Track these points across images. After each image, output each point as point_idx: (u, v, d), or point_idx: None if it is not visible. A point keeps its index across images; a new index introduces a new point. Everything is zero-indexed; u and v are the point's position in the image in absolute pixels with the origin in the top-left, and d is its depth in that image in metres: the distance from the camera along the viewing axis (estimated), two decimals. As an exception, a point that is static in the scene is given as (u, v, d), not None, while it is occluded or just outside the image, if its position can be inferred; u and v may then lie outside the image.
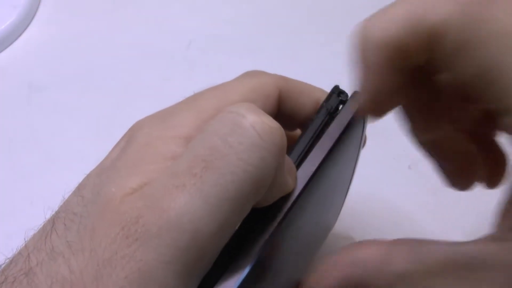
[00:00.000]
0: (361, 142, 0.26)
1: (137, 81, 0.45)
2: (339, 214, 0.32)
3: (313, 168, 0.20)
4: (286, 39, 0.46)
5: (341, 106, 0.23)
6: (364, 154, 0.39)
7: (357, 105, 0.22)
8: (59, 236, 0.17)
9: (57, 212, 0.19)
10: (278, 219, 0.19)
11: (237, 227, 0.18)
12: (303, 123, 0.25)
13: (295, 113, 0.24)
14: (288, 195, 0.19)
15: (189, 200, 0.16)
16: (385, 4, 0.20)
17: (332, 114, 0.23)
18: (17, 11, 0.47)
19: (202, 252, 0.16)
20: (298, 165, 0.21)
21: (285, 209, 0.19)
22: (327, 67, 0.44)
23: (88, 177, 0.20)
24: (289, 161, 0.19)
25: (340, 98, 0.24)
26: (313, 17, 0.48)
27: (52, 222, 0.18)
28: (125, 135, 0.21)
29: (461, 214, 0.36)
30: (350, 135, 0.23)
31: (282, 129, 0.17)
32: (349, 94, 0.24)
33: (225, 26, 0.47)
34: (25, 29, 0.48)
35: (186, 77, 0.45)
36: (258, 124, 0.17)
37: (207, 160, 0.16)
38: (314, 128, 0.22)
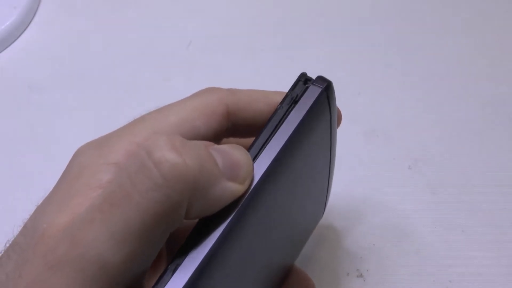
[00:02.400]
0: (331, 125, 0.25)
1: (137, 81, 0.45)
2: (325, 203, 0.31)
3: (269, 161, 0.20)
4: (286, 39, 0.46)
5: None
6: (364, 154, 0.39)
7: (321, 89, 0.22)
8: (1, 265, 0.19)
9: (10, 241, 0.21)
10: (223, 225, 0.19)
11: (156, 251, 0.19)
12: None
13: (254, 121, 0.24)
14: (242, 195, 0.20)
15: (97, 235, 0.17)
16: (383, 4, 0.20)
17: (297, 102, 0.22)
18: (17, 11, 0.47)
19: (112, 281, 0.18)
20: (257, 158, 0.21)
21: (232, 214, 0.19)
22: (327, 67, 0.44)
23: (37, 206, 0.22)
24: (235, 164, 0.20)
25: (306, 85, 0.23)
26: (313, 17, 0.48)
27: (4, 250, 0.20)
28: (68, 163, 0.23)
29: (461, 214, 0.36)
30: (315, 120, 0.22)
31: (195, 159, 0.18)
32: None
33: (225, 26, 0.47)
34: (25, 29, 0.48)
35: (186, 77, 0.45)
36: (162, 163, 0.17)
37: (114, 197, 0.18)
38: (277, 119, 0.21)
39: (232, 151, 0.20)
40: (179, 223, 0.19)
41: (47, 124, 0.42)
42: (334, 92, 0.23)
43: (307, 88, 0.22)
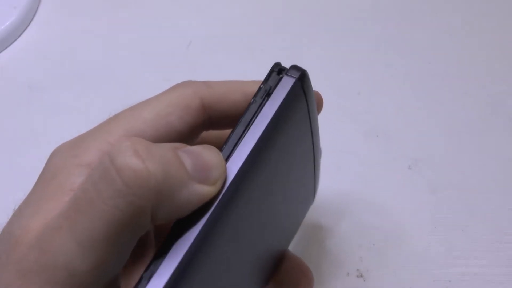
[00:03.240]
0: (310, 114, 0.24)
1: (137, 81, 0.45)
2: (315, 187, 0.31)
3: (242, 159, 0.20)
4: (286, 39, 0.46)
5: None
6: (364, 154, 0.39)
7: (295, 79, 0.22)
8: None
9: None
10: (198, 227, 0.19)
11: (126, 256, 0.19)
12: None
13: (231, 112, 0.24)
14: (216, 196, 0.19)
15: (64, 242, 0.18)
16: (383, 4, 0.20)
17: (270, 95, 0.21)
18: (17, 11, 0.47)
19: (81, 285, 0.18)
20: (232, 151, 0.20)
21: (206, 216, 0.19)
22: (327, 67, 0.44)
23: (15, 209, 0.22)
24: (206, 166, 0.19)
25: (280, 76, 0.22)
26: (313, 17, 0.48)
27: None
28: (45, 163, 0.23)
29: (461, 214, 0.36)
30: (290, 112, 0.22)
31: (159, 164, 0.18)
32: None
33: (225, 26, 0.47)
34: (25, 29, 0.48)
35: (186, 77, 0.44)
36: (124, 170, 0.17)
37: (80, 203, 0.18)
38: (250, 114, 0.21)
39: (202, 152, 0.19)
40: (146, 228, 0.19)
41: (47, 124, 0.42)
42: (309, 81, 0.23)
43: (280, 79, 0.22)
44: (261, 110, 0.21)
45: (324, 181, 0.37)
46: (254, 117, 0.21)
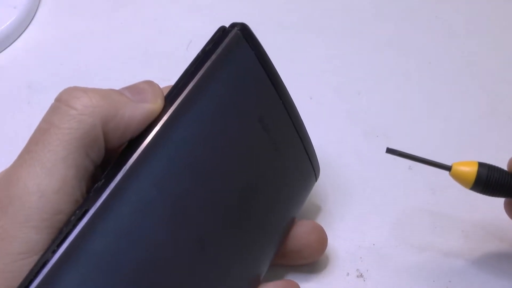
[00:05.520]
0: (265, 66, 0.26)
1: (137, 81, 0.45)
2: (312, 163, 0.30)
3: (183, 91, 0.23)
4: (285, 39, 0.46)
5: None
6: (364, 154, 0.39)
7: (235, 30, 0.24)
8: None
9: None
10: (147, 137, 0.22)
11: (87, 177, 0.22)
12: None
13: None
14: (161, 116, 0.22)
15: (30, 169, 0.20)
16: (384, 4, 0.20)
17: (212, 47, 0.24)
18: (17, 11, 0.47)
19: (53, 207, 0.20)
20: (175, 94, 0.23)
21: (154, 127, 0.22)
22: (327, 67, 0.44)
23: None
24: (142, 90, 0.24)
25: (223, 33, 0.25)
26: (313, 17, 0.48)
27: None
28: None
29: (461, 215, 0.36)
30: (232, 55, 0.24)
31: (101, 93, 0.22)
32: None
33: (225, 26, 0.47)
34: (25, 29, 0.48)
35: (186, 77, 0.44)
36: (71, 100, 0.22)
37: (38, 137, 0.21)
38: (192, 63, 0.25)
39: (137, 83, 0.24)
40: (101, 148, 0.22)
41: (47, 124, 0.42)
42: (251, 31, 0.25)
43: (223, 34, 0.25)
44: (203, 60, 0.24)
45: (324, 181, 0.37)
46: (196, 66, 0.24)
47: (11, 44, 0.47)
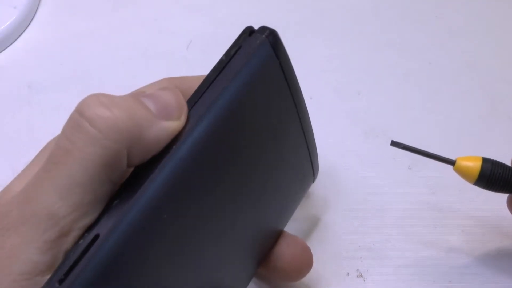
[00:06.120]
0: (286, 75, 0.25)
1: (137, 81, 0.44)
2: (312, 165, 0.30)
3: (207, 103, 0.21)
4: (285, 39, 0.46)
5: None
6: (364, 154, 0.39)
7: (263, 36, 0.23)
8: None
9: None
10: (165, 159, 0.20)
11: (104, 199, 0.20)
12: None
13: None
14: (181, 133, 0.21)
15: (44, 190, 0.19)
16: (384, 4, 0.20)
17: (238, 53, 0.23)
18: (17, 11, 0.47)
19: (62, 229, 0.19)
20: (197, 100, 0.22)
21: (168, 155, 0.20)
22: (327, 67, 0.44)
23: None
24: (167, 103, 0.22)
25: (250, 36, 0.23)
26: (313, 17, 0.48)
27: None
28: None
29: (461, 214, 0.36)
30: (259, 67, 0.22)
31: (124, 110, 0.20)
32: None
33: (225, 26, 0.47)
34: (25, 29, 0.48)
35: (186, 77, 0.44)
36: (95, 119, 0.20)
37: (57, 155, 0.20)
38: (217, 68, 0.22)
39: (162, 94, 0.22)
40: (122, 170, 0.21)
41: (47, 124, 0.42)
42: (280, 39, 0.24)
43: (249, 38, 0.23)
44: (227, 65, 0.22)
45: (324, 181, 0.37)
46: (220, 71, 0.22)
47: (11, 44, 0.47)
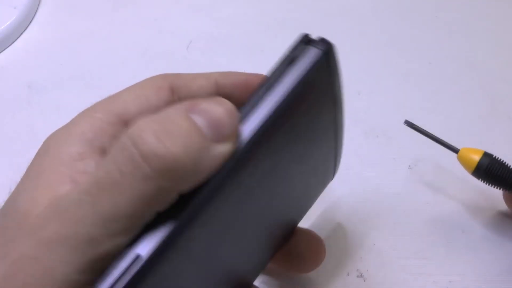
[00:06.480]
0: (335, 89, 0.24)
1: (137, 81, 0.44)
2: (335, 164, 0.31)
3: (259, 119, 0.20)
4: (285, 39, 0.46)
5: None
6: (364, 154, 0.39)
7: (321, 51, 0.22)
8: None
9: None
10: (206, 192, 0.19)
11: (146, 222, 0.20)
12: None
13: (197, 95, 0.25)
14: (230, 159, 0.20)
15: (86, 215, 0.19)
16: (384, 4, 0.20)
17: (293, 64, 0.22)
18: (17, 11, 0.47)
19: (100, 253, 0.19)
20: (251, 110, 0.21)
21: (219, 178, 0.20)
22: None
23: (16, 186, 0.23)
24: (219, 122, 0.20)
25: (306, 47, 0.22)
26: (313, 17, 0.48)
27: None
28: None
29: (461, 214, 0.36)
30: (312, 83, 0.22)
31: (180, 144, 0.19)
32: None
33: (225, 26, 0.47)
34: (25, 29, 0.48)
35: (186, 77, 0.44)
36: (151, 157, 0.18)
37: (104, 182, 0.19)
38: (271, 78, 0.21)
39: (213, 109, 0.20)
40: (171, 202, 0.20)
41: (47, 124, 0.42)
42: (335, 55, 0.23)
43: (306, 49, 0.22)
44: (283, 76, 0.21)
45: (324, 181, 0.37)
46: (274, 82, 0.21)
47: (11, 44, 0.47)
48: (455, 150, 0.34)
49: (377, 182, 0.38)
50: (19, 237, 0.19)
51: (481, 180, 0.34)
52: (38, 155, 0.23)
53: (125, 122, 0.24)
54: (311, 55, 0.22)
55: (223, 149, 0.19)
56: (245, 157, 0.20)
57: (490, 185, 0.34)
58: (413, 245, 0.35)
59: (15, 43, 0.47)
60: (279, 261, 0.31)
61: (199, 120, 0.19)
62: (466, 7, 0.48)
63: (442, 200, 0.37)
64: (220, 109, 0.20)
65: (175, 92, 0.25)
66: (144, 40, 0.47)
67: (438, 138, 0.35)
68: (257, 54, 0.45)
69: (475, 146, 0.39)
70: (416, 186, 0.37)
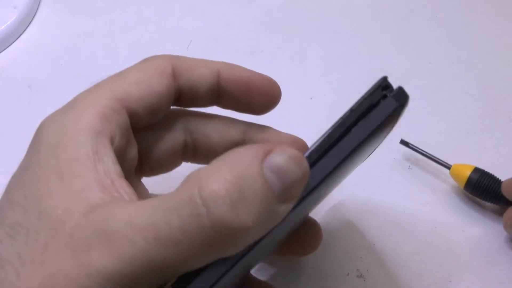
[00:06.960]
0: (386, 134, 0.25)
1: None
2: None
3: (327, 171, 0.21)
4: (286, 39, 0.46)
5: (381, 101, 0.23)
6: (364, 154, 0.39)
7: (397, 104, 0.22)
8: (3, 244, 0.19)
9: None
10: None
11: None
12: (209, 95, 0.26)
13: (197, 84, 0.26)
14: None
15: (135, 257, 0.18)
16: (384, 4, 0.20)
17: (370, 112, 0.22)
18: (17, 11, 0.47)
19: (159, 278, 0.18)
20: (320, 156, 0.21)
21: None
22: (327, 66, 0.44)
23: (13, 178, 0.23)
24: (292, 185, 0.19)
25: (384, 92, 0.23)
26: (313, 17, 0.48)
27: None
28: (34, 135, 0.23)
29: (461, 214, 0.36)
30: (382, 131, 0.23)
31: (252, 214, 0.18)
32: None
33: (225, 27, 0.47)
34: (25, 29, 0.48)
35: (186, 77, 0.44)
36: (220, 226, 0.17)
37: (161, 232, 0.18)
38: (346, 124, 0.21)
39: (290, 170, 0.19)
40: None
41: (47, 124, 0.42)
42: (406, 103, 0.24)
43: (385, 98, 0.23)
44: (357, 124, 0.22)
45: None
46: (350, 130, 0.21)
47: (11, 44, 0.47)
48: (447, 166, 0.36)
49: (377, 182, 0.38)
50: (55, 246, 0.19)
51: (473, 195, 0.36)
52: (43, 145, 0.22)
53: (127, 108, 0.23)
54: (387, 108, 0.22)
55: (288, 208, 0.19)
56: (300, 201, 0.20)
57: (482, 199, 0.35)
58: (413, 245, 0.35)
59: (15, 43, 0.47)
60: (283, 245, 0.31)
61: (273, 180, 0.18)
62: (466, 7, 0.48)
63: (442, 200, 0.37)
64: (299, 172, 0.19)
65: (176, 77, 0.25)
66: (144, 40, 0.47)
67: (431, 155, 0.37)
68: (257, 54, 0.45)
69: (475, 146, 0.39)
70: (416, 186, 0.37)
